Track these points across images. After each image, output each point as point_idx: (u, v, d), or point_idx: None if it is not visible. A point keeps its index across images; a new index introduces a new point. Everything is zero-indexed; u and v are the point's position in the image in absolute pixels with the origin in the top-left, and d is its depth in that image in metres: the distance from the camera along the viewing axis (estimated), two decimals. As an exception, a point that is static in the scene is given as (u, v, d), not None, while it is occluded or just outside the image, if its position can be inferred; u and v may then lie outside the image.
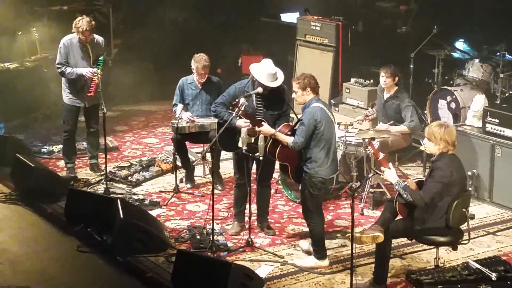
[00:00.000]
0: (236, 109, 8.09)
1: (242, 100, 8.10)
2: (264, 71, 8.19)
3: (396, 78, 9.83)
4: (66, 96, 10.05)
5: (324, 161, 7.76)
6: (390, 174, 7.33)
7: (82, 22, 9.70)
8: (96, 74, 9.67)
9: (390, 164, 7.45)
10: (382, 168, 7.40)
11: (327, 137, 7.76)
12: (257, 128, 8.07)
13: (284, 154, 7.97)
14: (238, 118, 8.15)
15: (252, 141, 8.14)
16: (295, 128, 7.92)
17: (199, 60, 9.68)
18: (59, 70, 9.90)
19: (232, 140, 8.31)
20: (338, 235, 8.71)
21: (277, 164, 8.37)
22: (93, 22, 9.84)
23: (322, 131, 7.70)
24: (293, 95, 7.98)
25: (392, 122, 9.73)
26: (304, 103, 7.88)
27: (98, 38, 10.03)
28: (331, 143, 7.82)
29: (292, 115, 8.78)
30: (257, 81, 8.22)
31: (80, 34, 9.71)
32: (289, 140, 7.84)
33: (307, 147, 7.76)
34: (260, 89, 8.22)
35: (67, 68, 9.82)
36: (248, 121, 8.17)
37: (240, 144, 8.20)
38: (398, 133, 9.63)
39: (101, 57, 9.88)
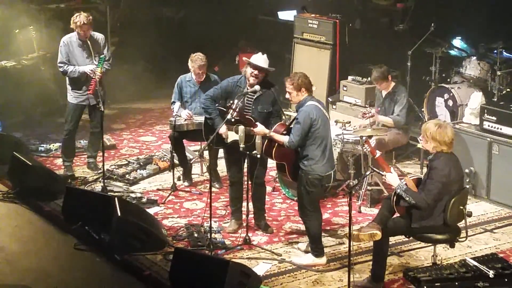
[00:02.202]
0: (231, 111, 8.09)
1: (236, 102, 8.10)
2: (260, 57, 8.27)
3: (389, 77, 9.83)
4: (71, 95, 10.04)
5: (320, 159, 7.77)
6: (391, 177, 7.35)
7: (79, 17, 9.71)
8: (95, 72, 9.65)
9: (392, 168, 7.46)
10: (383, 172, 7.42)
11: (323, 135, 7.76)
12: (252, 129, 8.06)
13: (281, 154, 7.97)
14: (233, 119, 8.15)
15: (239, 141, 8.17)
16: (290, 127, 7.92)
17: (195, 60, 9.70)
18: (61, 70, 9.89)
19: (220, 135, 8.32)
20: (336, 232, 8.72)
21: (274, 163, 8.36)
22: (91, 17, 9.83)
23: (318, 129, 7.71)
24: (287, 96, 7.96)
25: (378, 109, 9.74)
26: (298, 102, 7.88)
27: (99, 35, 10.02)
28: (327, 141, 7.83)
29: (286, 112, 8.80)
30: (248, 67, 8.24)
31: (79, 28, 9.70)
32: (284, 139, 7.84)
33: (303, 145, 7.77)
34: (257, 87, 8.23)
35: (69, 67, 9.82)
36: (226, 132, 8.24)
37: (229, 140, 8.30)
38: (382, 122, 9.66)
39: (102, 55, 9.85)
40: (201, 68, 9.71)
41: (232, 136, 8.28)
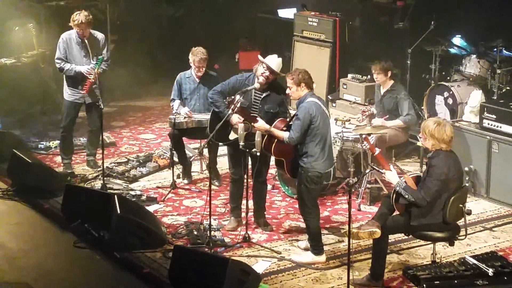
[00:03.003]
0: (232, 106, 8.10)
1: (238, 97, 8.11)
2: (275, 59, 8.25)
3: (389, 73, 9.80)
4: (67, 93, 10.04)
5: (320, 156, 7.77)
6: (391, 175, 7.35)
7: (79, 15, 9.70)
8: (92, 72, 9.64)
9: (391, 166, 7.46)
10: (382, 170, 7.42)
11: (323, 132, 7.77)
12: (252, 124, 8.08)
13: (280, 149, 7.98)
14: (234, 113, 8.17)
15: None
16: (290, 123, 7.93)
17: (196, 53, 9.70)
18: (58, 66, 9.89)
19: (224, 131, 8.32)
20: (335, 230, 8.72)
21: (273, 160, 8.37)
22: (91, 16, 9.82)
23: (318, 125, 7.71)
24: (288, 91, 7.98)
25: (387, 116, 9.73)
26: (298, 98, 7.89)
27: (99, 35, 10.01)
28: (327, 138, 7.83)
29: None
30: (260, 66, 8.22)
31: (77, 27, 9.70)
32: (284, 135, 7.85)
33: (302, 142, 7.77)
34: (257, 85, 8.23)
35: (66, 65, 9.81)
36: (242, 118, 8.20)
37: (231, 137, 8.32)
38: (393, 127, 9.64)
39: (100, 56, 9.83)
40: (202, 62, 9.70)
41: (235, 134, 8.28)
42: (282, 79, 8.40)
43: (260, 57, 8.35)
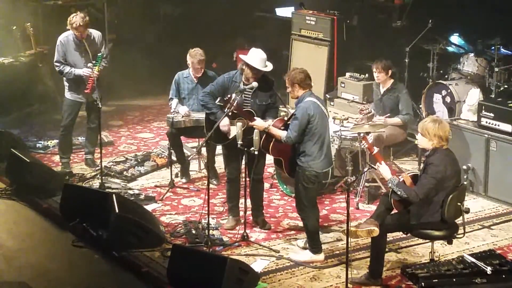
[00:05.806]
0: (228, 105, 8.10)
1: (234, 95, 8.11)
2: (257, 56, 8.25)
3: (390, 72, 9.83)
4: (68, 92, 10.04)
5: (317, 155, 7.77)
6: (384, 169, 7.35)
7: (75, 18, 9.66)
8: (91, 73, 9.63)
9: (383, 162, 7.46)
10: (376, 165, 7.43)
11: (321, 131, 7.77)
12: (250, 123, 8.08)
13: (278, 149, 7.98)
14: (230, 113, 8.16)
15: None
16: (288, 122, 7.93)
17: (194, 55, 9.70)
18: (57, 69, 9.88)
19: (221, 132, 8.32)
20: (334, 229, 8.73)
21: (272, 159, 8.37)
22: (87, 18, 9.79)
23: (316, 125, 7.71)
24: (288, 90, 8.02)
25: (389, 114, 9.73)
26: (297, 97, 7.90)
27: (95, 33, 9.99)
28: (325, 137, 7.83)
29: (283, 108, 8.76)
30: (247, 68, 8.22)
31: (75, 30, 9.68)
32: (282, 134, 7.85)
33: (300, 141, 7.78)
34: (255, 84, 8.23)
35: (66, 68, 9.80)
36: (237, 116, 8.19)
37: (230, 136, 8.28)
38: (392, 124, 9.65)
39: (100, 54, 9.82)
40: (200, 63, 9.71)
41: (232, 132, 8.28)
42: (269, 72, 8.40)
43: (242, 57, 8.34)
